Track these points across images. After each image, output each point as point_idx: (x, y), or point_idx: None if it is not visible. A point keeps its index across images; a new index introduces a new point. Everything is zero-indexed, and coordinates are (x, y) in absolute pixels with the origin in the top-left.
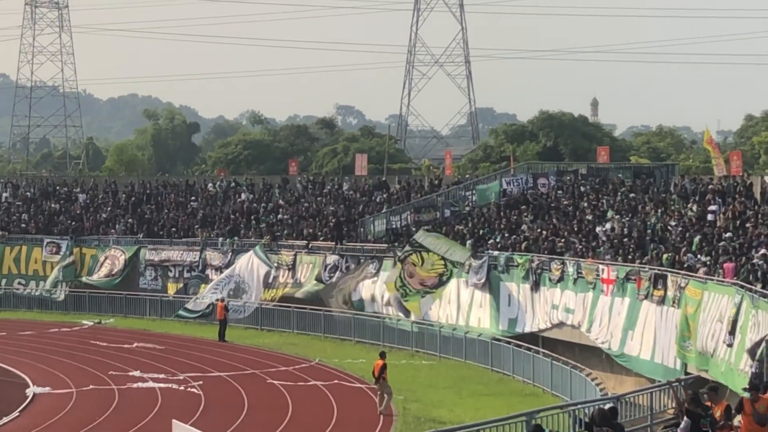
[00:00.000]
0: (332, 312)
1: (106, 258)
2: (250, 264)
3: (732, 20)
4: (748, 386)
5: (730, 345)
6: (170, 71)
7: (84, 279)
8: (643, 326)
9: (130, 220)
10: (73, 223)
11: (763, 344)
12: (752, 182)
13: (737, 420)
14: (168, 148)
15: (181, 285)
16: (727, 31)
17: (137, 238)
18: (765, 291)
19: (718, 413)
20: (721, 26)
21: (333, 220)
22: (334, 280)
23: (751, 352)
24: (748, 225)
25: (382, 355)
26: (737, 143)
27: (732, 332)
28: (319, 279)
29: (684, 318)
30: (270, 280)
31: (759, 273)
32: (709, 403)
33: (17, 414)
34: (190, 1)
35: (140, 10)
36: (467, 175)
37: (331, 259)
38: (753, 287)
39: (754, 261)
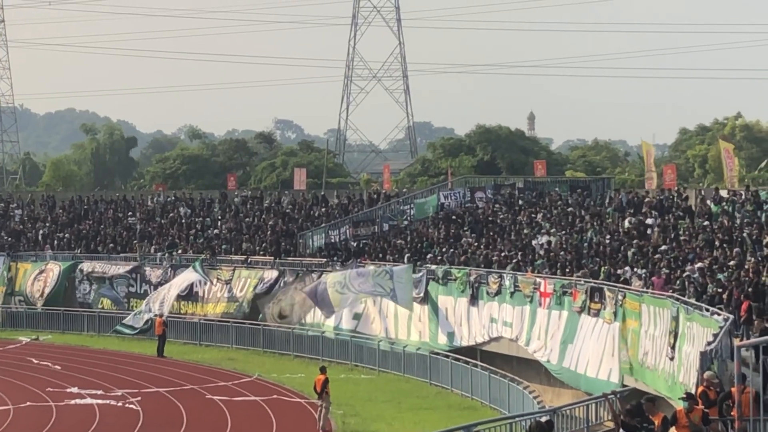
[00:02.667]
0: (271, 327)
1: (41, 272)
2: (190, 280)
3: (666, 35)
4: (685, 395)
5: (671, 358)
6: (108, 86)
7: (18, 296)
8: (582, 340)
9: (67, 236)
10: (10, 239)
11: (698, 357)
12: (687, 195)
13: None
14: (106, 163)
15: (119, 300)
16: (662, 45)
17: (75, 253)
18: (699, 303)
19: (656, 424)
20: (656, 41)
21: (272, 235)
22: (272, 292)
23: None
24: (682, 238)
25: (323, 370)
26: (672, 157)
27: (673, 345)
28: (256, 293)
29: (624, 331)
30: (197, 291)
31: (693, 286)
32: (647, 415)
33: None
34: (127, 16)
35: (77, 24)
36: (405, 189)
37: (269, 273)
38: (687, 300)
39: (689, 274)
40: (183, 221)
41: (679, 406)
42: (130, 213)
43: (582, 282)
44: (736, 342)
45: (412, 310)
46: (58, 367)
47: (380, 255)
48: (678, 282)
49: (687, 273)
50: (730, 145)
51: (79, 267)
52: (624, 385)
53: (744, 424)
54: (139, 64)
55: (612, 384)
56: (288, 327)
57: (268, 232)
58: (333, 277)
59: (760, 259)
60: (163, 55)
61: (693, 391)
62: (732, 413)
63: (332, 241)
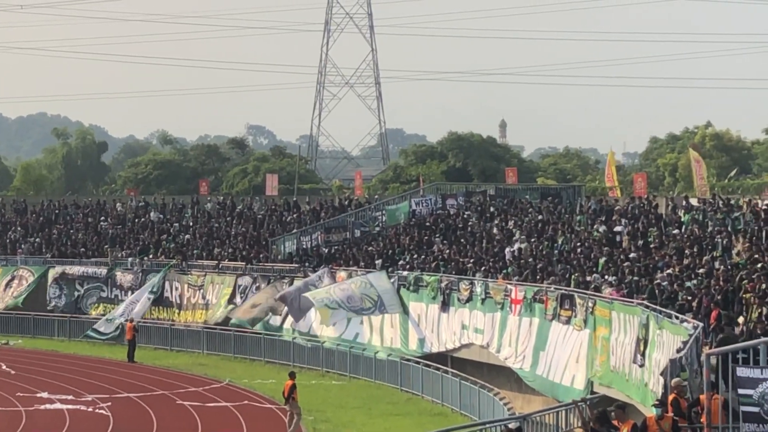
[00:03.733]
0: (242, 332)
1: (12, 278)
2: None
3: (638, 44)
4: (657, 402)
5: (641, 365)
6: (80, 90)
7: None
8: (554, 347)
9: (38, 240)
10: None
11: (668, 364)
12: (657, 203)
13: None
14: (78, 167)
15: (90, 305)
16: (634, 54)
17: (45, 257)
18: (669, 311)
19: (625, 431)
20: (628, 50)
21: (243, 241)
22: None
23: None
24: (652, 246)
25: (292, 375)
26: (642, 165)
27: (643, 352)
28: (231, 301)
29: (595, 338)
30: (167, 296)
31: (664, 293)
32: (616, 422)
33: None
34: (100, 20)
35: (49, 28)
36: (377, 196)
37: (243, 280)
38: (656, 307)
39: (658, 282)
40: (154, 226)
41: (650, 413)
42: (101, 218)
43: (553, 289)
44: (705, 350)
45: (402, 312)
46: (12, 371)
47: (351, 261)
48: (647, 290)
49: (657, 281)
50: (697, 154)
51: (50, 272)
52: (593, 392)
53: None
54: (111, 69)
55: (576, 390)
56: (257, 333)
57: (240, 238)
58: (317, 293)
59: (729, 267)
60: (135, 59)
61: (663, 399)
62: (701, 420)
63: (304, 246)
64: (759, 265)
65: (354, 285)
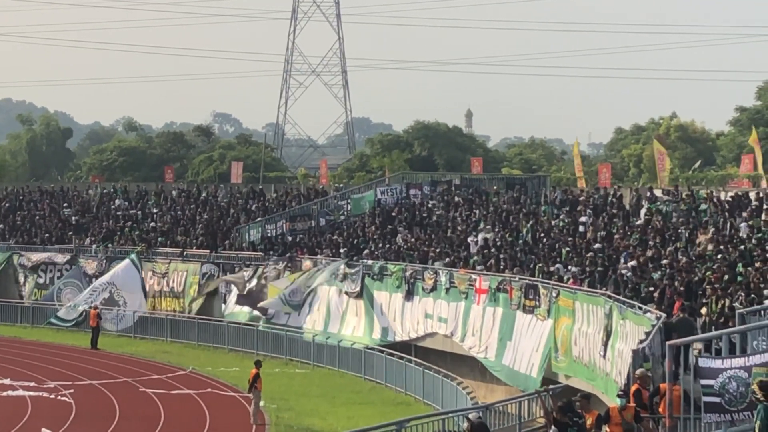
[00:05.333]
0: (206, 320)
1: None
2: (126, 272)
3: (604, 34)
4: (621, 392)
5: (604, 355)
6: (45, 76)
7: None
8: (520, 337)
9: (1, 226)
10: None
11: (631, 355)
12: (622, 194)
13: (603, 431)
14: (42, 154)
15: (54, 292)
16: (600, 45)
17: (9, 244)
18: (632, 302)
19: (589, 421)
20: (594, 40)
21: (207, 228)
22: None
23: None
24: (616, 236)
25: (257, 364)
26: (607, 156)
27: (606, 343)
28: (199, 291)
29: (558, 328)
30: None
31: (627, 284)
32: (581, 411)
33: None
34: (65, 6)
35: (14, 14)
36: (342, 185)
37: (207, 268)
38: (620, 297)
39: (622, 272)
40: (119, 213)
41: (613, 403)
42: (65, 204)
43: (517, 279)
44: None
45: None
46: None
47: (316, 250)
48: (611, 281)
49: (620, 271)
50: (662, 147)
51: (14, 258)
52: (555, 382)
53: (675, 422)
54: (77, 55)
55: (533, 379)
56: (220, 320)
57: (204, 226)
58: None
59: (693, 258)
60: (102, 46)
61: (626, 389)
62: (660, 410)
63: (269, 235)
64: (721, 257)
65: (305, 277)
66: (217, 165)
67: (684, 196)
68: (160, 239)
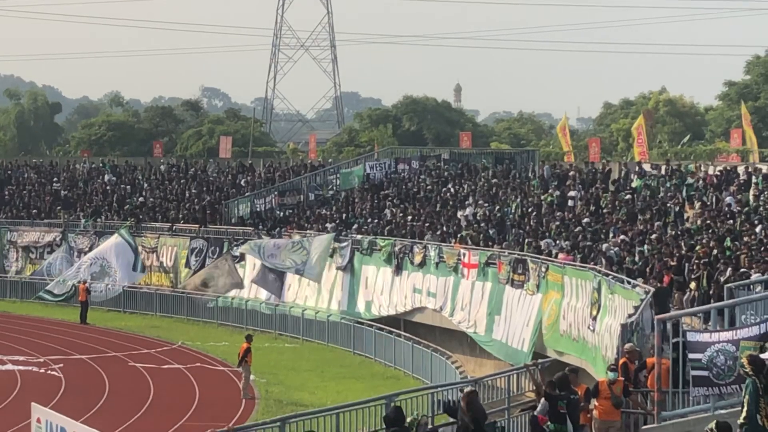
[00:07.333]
0: (195, 295)
1: None
2: (116, 246)
3: (593, 9)
4: (612, 366)
5: (593, 330)
6: (33, 50)
7: None
8: (509, 311)
9: None
10: None
11: (619, 329)
12: (610, 169)
13: (591, 404)
14: (30, 128)
15: (43, 266)
16: (589, 19)
17: None
18: (620, 276)
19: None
20: (583, 15)
21: (197, 203)
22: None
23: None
24: (605, 211)
25: (248, 339)
26: (596, 130)
27: (594, 317)
28: (186, 264)
29: (547, 302)
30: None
31: (615, 259)
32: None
33: None
34: None
35: None
36: (331, 159)
37: (197, 243)
38: (609, 272)
39: (610, 246)
40: (108, 188)
41: (601, 377)
42: (54, 179)
43: (506, 254)
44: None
45: (319, 283)
46: None
47: (305, 225)
48: (599, 255)
49: (608, 245)
50: (643, 122)
51: (2, 233)
52: (544, 356)
53: (663, 396)
54: (65, 29)
55: (523, 353)
56: (212, 295)
57: (194, 200)
58: (250, 244)
59: (681, 232)
60: (89, 20)
61: (617, 363)
62: (648, 384)
63: (257, 209)
64: (710, 231)
65: (289, 246)
66: (206, 140)
67: (672, 169)
68: (149, 214)
